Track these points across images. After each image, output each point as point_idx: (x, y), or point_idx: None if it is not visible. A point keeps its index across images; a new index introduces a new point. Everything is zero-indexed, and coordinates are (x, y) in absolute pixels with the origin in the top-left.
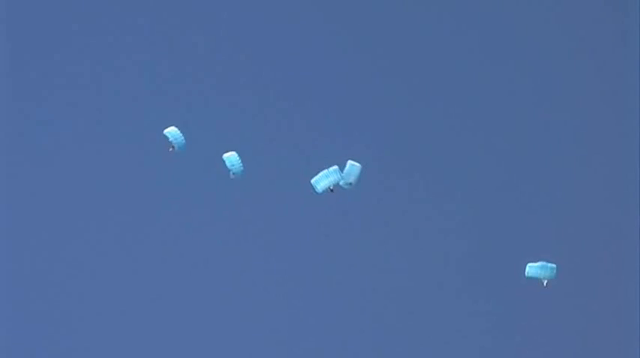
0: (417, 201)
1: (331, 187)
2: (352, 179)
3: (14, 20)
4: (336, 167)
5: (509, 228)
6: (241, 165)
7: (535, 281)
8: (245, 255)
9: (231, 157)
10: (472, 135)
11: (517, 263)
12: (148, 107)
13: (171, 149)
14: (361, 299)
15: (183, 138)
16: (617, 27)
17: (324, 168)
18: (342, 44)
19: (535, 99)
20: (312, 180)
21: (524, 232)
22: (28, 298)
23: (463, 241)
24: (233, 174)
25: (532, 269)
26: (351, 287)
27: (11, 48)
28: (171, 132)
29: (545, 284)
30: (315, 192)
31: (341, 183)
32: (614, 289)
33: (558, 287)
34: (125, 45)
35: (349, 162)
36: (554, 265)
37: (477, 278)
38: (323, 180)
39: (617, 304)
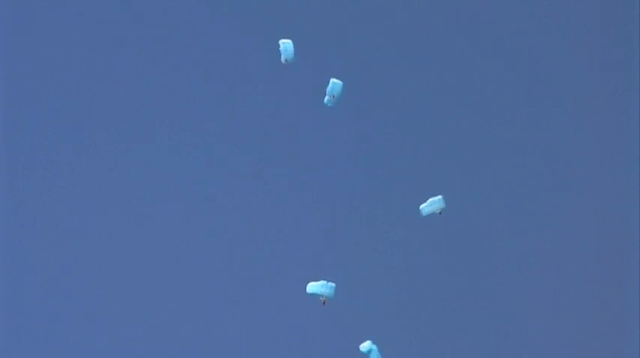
0: (418, 199)
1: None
2: None
3: (13, 20)
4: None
5: (509, 228)
6: (293, 51)
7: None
8: (245, 255)
9: (286, 44)
10: (471, 134)
11: (516, 262)
12: (147, 107)
13: (284, 61)
14: (360, 299)
15: (293, 51)
16: (617, 27)
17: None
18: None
19: (534, 99)
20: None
21: (524, 232)
22: (28, 298)
23: (462, 240)
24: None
25: (313, 287)
26: (351, 287)
27: (10, 47)
28: (285, 43)
29: (323, 302)
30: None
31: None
32: (614, 289)
33: (558, 288)
34: (126, 47)
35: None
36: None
37: (475, 277)
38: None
39: (617, 304)
